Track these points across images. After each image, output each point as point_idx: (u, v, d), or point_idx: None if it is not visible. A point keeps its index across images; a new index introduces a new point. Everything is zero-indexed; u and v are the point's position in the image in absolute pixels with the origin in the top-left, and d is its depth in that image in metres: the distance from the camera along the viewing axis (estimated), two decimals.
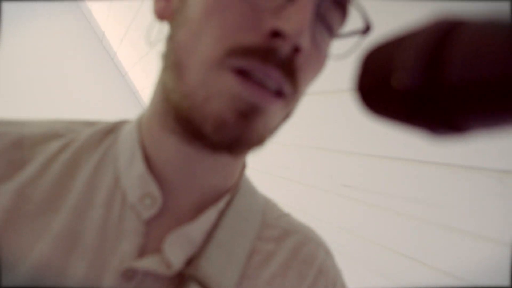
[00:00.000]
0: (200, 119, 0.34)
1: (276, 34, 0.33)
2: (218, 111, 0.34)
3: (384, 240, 0.93)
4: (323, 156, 0.99)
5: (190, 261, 0.40)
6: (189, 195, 0.42)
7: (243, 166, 0.49)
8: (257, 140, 0.36)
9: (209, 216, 0.42)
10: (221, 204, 0.43)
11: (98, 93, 2.47)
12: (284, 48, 0.33)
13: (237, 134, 0.34)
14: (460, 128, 0.17)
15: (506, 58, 0.14)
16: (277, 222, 0.48)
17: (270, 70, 0.33)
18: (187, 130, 0.36)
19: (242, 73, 0.34)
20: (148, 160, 0.41)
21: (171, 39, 0.39)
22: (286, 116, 0.41)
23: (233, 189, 0.45)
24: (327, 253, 0.50)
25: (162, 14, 0.41)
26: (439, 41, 0.16)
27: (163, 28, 0.43)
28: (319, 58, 0.38)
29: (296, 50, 0.34)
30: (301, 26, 0.32)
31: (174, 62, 0.37)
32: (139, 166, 0.41)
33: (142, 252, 0.38)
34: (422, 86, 0.16)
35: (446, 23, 0.17)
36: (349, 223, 1.04)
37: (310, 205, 1.18)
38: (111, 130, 0.46)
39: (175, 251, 0.39)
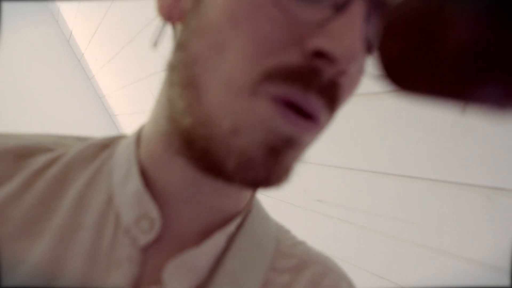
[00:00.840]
0: (222, 154, 0.28)
1: (320, 54, 0.27)
2: (246, 146, 0.28)
3: (360, 261, 0.88)
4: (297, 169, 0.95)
5: None
6: (193, 217, 0.36)
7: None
8: (285, 176, 0.31)
9: (217, 240, 0.36)
10: (231, 228, 0.37)
11: (62, 96, 2.36)
12: (328, 72, 0.27)
13: (265, 173, 0.29)
14: None
15: None
16: (292, 251, 0.43)
17: (312, 98, 0.28)
18: (202, 161, 0.30)
19: (281, 102, 0.28)
20: (145, 177, 0.36)
21: (182, 48, 0.32)
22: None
23: (244, 211, 0.40)
24: (351, 287, 0.44)
25: (168, 13, 0.34)
26: None
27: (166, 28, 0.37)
28: (359, 75, 0.32)
29: (342, 73, 0.28)
30: (353, 49, 0.26)
31: (187, 78, 0.31)
32: (135, 181, 0.35)
33: (138, 284, 0.33)
34: (496, 41, 0.12)
35: None
36: (322, 240, 1.00)
37: (281, 221, 1.13)
38: (107, 145, 0.41)
39: (177, 281, 0.34)
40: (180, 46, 0.32)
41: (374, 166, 0.74)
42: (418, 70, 0.15)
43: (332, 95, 0.29)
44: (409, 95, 0.17)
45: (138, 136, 0.39)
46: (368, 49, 0.32)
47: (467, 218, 0.62)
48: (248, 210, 0.40)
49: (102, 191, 0.36)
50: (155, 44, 0.38)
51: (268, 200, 1.13)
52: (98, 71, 2.20)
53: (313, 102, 0.28)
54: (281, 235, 0.44)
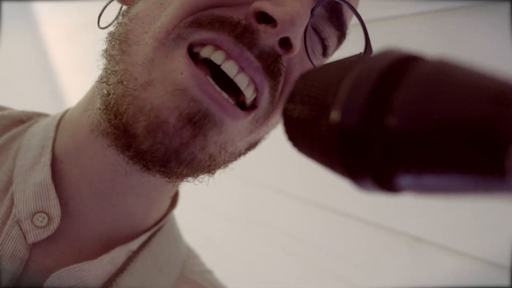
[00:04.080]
0: (132, 112, 0.27)
1: (263, 17, 0.27)
2: (156, 105, 0.27)
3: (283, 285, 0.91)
4: (244, 187, 0.97)
5: None
6: (98, 221, 0.34)
7: (173, 202, 0.41)
8: (205, 163, 0.29)
9: (116, 256, 0.34)
10: (134, 245, 0.35)
11: (9, 63, 2.25)
12: (268, 36, 0.27)
13: (177, 144, 0.27)
14: (392, 188, 0.15)
15: (472, 110, 0.12)
16: (196, 278, 0.41)
17: (245, 53, 0.27)
18: (114, 126, 0.29)
19: (194, 64, 0.27)
20: (56, 167, 0.33)
21: (124, 15, 0.32)
22: (253, 143, 0.35)
23: (152, 229, 0.38)
24: None
25: None
26: (389, 78, 0.14)
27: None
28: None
29: (286, 46, 0.27)
30: (296, 14, 0.26)
31: (121, 34, 0.30)
32: (43, 171, 0.32)
33: (16, 285, 0.30)
34: (361, 129, 0.14)
35: (399, 56, 0.15)
36: (250, 259, 1.02)
37: (215, 234, 1.15)
38: (23, 120, 0.38)
39: None
40: (123, 14, 0.32)
41: (316, 197, 0.77)
42: (308, 137, 0.17)
43: (272, 68, 0.28)
44: (304, 156, 0.19)
45: (61, 120, 0.36)
46: (323, 49, 0.33)
47: (390, 263, 0.66)
48: (159, 227, 0.38)
49: (2, 171, 0.33)
50: (99, 21, 0.37)
51: (206, 210, 1.15)
52: (55, 44, 2.14)
53: (247, 56, 0.27)
54: (189, 260, 0.43)
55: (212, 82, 0.28)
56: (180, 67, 0.27)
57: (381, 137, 0.14)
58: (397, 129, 0.13)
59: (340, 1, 0.30)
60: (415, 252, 0.62)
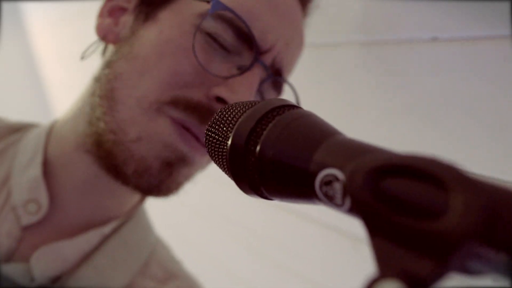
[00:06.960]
0: (124, 158, 0.37)
1: (220, 100, 0.37)
2: (144, 155, 0.37)
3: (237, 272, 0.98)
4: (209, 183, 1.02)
5: (59, 278, 0.41)
6: (79, 211, 0.43)
7: (143, 196, 0.50)
8: (174, 189, 0.40)
9: (90, 237, 0.43)
10: (106, 229, 0.44)
11: None
12: None
13: (157, 182, 0.38)
14: (263, 195, 0.22)
15: (302, 152, 0.19)
16: (164, 264, 0.49)
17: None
18: (106, 161, 0.39)
19: (179, 125, 0.37)
20: (47, 168, 0.42)
21: (109, 66, 0.41)
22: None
23: (124, 216, 0.46)
24: None
25: (105, 35, 0.43)
26: (265, 120, 0.21)
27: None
28: None
29: None
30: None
31: (107, 91, 0.39)
32: (36, 169, 0.41)
33: (10, 257, 0.39)
34: (242, 154, 0.21)
35: (277, 105, 0.22)
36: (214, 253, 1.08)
37: (179, 225, 1.20)
38: (18, 129, 0.47)
39: (42, 265, 0.40)
40: (108, 64, 0.41)
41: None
42: (215, 153, 0.24)
43: None
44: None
45: (50, 130, 0.45)
46: None
47: (333, 260, 0.72)
48: (129, 217, 0.47)
49: (2, 169, 0.42)
50: (83, 57, 0.46)
51: (178, 205, 1.19)
52: (39, 30, 2.15)
53: None
54: (158, 248, 0.51)
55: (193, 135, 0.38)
56: (166, 130, 0.37)
57: (252, 160, 0.21)
58: (260, 155, 0.20)
59: (280, 80, 0.42)
60: (357, 252, 0.68)
